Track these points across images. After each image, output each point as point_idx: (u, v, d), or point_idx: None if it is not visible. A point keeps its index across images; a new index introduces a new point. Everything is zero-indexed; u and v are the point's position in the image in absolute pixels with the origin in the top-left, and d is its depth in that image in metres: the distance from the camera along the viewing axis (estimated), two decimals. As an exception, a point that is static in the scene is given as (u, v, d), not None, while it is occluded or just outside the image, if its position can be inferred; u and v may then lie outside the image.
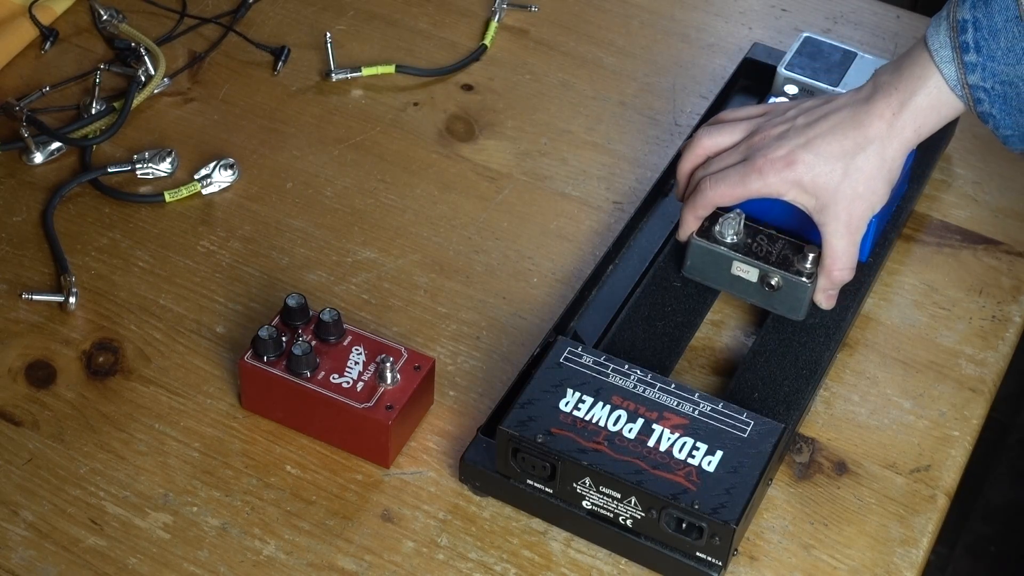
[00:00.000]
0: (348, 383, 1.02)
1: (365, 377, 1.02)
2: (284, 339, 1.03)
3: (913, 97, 1.01)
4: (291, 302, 1.04)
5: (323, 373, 1.02)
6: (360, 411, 1.01)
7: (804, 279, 1.07)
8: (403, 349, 1.04)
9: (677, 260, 1.12)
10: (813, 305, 1.09)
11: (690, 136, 1.13)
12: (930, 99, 1.01)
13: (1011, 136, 1.02)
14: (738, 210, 1.08)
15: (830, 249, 1.05)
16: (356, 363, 1.03)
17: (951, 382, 1.10)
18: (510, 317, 1.13)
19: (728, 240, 1.08)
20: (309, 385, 1.02)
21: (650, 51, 1.36)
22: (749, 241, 1.09)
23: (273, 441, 1.05)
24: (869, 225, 1.12)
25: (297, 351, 1.01)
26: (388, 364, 1.01)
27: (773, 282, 1.08)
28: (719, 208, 1.09)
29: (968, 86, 0.99)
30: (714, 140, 1.09)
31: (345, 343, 1.04)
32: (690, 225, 1.09)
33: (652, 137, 1.27)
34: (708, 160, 1.09)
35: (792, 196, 1.05)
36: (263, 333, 1.02)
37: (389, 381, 1.01)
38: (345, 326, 1.04)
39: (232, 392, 1.07)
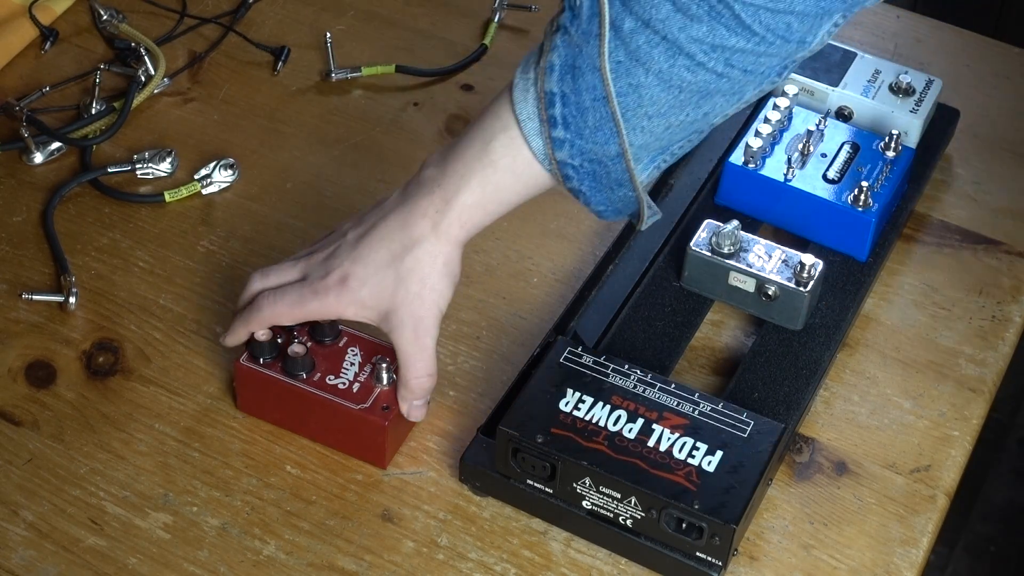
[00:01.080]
0: (344, 384, 1.02)
1: (361, 378, 1.02)
2: (280, 340, 1.03)
3: (458, 194, 0.95)
4: None
5: (319, 374, 1.02)
6: (356, 412, 1.01)
7: (801, 289, 1.07)
8: None
9: (676, 267, 1.12)
10: (811, 312, 1.09)
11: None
12: (481, 192, 0.95)
13: (605, 211, 0.97)
14: (735, 221, 1.08)
15: (403, 357, 0.99)
16: (352, 364, 1.03)
17: (951, 382, 1.10)
18: (510, 317, 1.13)
19: (725, 251, 1.08)
20: (305, 387, 1.02)
21: (650, 51, 1.35)
22: (746, 252, 1.08)
23: (273, 441, 1.05)
24: (869, 225, 1.12)
25: (293, 352, 1.01)
26: (384, 365, 1.01)
27: (770, 292, 1.07)
28: (711, 219, 1.09)
29: (556, 161, 0.94)
30: (266, 280, 1.03)
31: (341, 344, 1.04)
32: (240, 335, 1.03)
33: (652, 137, 1.27)
34: (267, 270, 1.03)
35: (353, 313, 0.99)
36: (259, 335, 1.02)
37: (385, 382, 1.01)
38: (341, 327, 1.04)
39: (232, 392, 1.07)
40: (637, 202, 0.96)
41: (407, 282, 0.97)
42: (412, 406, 1.02)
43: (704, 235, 1.09)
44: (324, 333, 1.03)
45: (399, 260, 0.97)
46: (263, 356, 1.02)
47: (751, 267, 1.08)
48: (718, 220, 1.10)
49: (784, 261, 1.08)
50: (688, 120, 0.92)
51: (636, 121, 0.91)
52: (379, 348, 1.04)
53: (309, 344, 1.03)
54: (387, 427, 1.00)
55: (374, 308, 0.99)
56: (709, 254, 1.09)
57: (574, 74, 0.91)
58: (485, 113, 0.96)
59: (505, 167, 0.95)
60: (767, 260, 1.08)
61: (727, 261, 1.08)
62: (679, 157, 0.96)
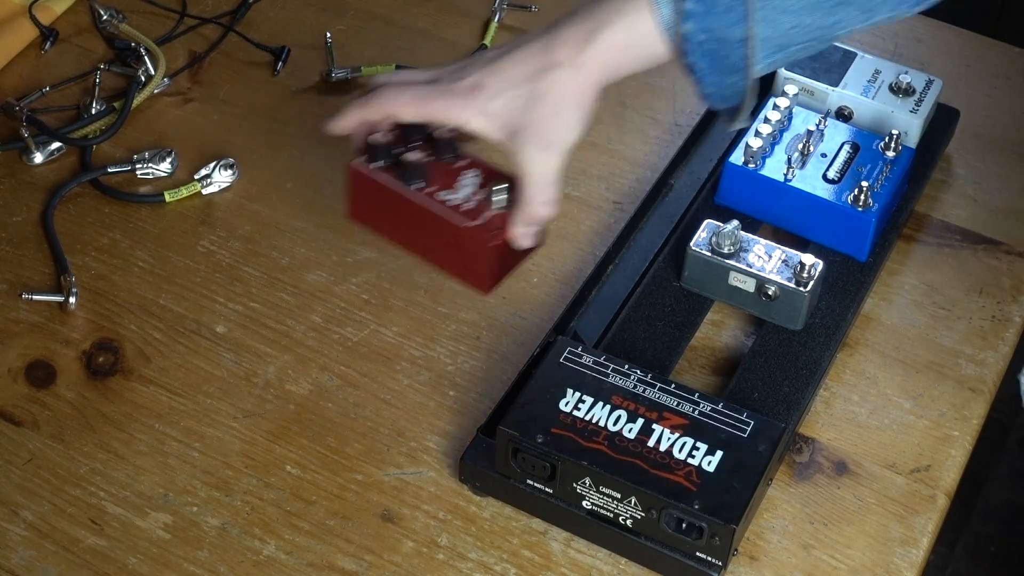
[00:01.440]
0: (457, 201, 0.97)
1: (476, 199, 0.97)
2: (399, 150, 0.99)
3: (603, 29, 0.94)
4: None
5: (433, 187, 0.97)
6: (462, 229, 0.96)
7: (801, 289, 1.07)
8: None
9: (676, 267, 1.12)
10: (811, 312, 1.09)
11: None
12: (624, 36, 0.94)
13: (713, 94, 0.95)
14: (735, 221, 1.08)
15: (525, 179, 0.96)
16: (468, 185, 0.98)
17: (951, 382, 1.10)
18: (510, 317, 1.13)
19: (725, 251, 1.08)
20: (415, 198, 0.97)
21: (650, 51, 1.35)
22: (746, 252, 1.09)
23: (273, 441, 1.05)
24: (869, 225, 1.12)
25: (408, 160, 0.97)
26: (500, 188, 0.96)
27: (770, 292, 1.07)
28: (711, 219, 1.09)
29: (680, 33, 0.92)
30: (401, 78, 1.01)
31: (461, 164, 0.99)
32: (349, 121, 1.00)
33: (652, 137, 1.27)
34: (398, 72, 1.02)
35: (478, 124, 0.96)
36: (378, 137, 0.98)
37: (500, 204, 0.97)
38: (465, 151, 1.00)
39: (232, 392, 1.07)
40: (742, 95, 0.94)
41: (541, 102, 0.95)
42: (523, 233, 0.98)
43: (704, 235, 1.09)
44: (446, 150, 0.99)
45: (536, 79, 0.95)
46: (378, 160, 0.98)
47: (751, 267, 1.08)
48: (718, 220, 1.10)
49: (784, 261, 1.08)
50: (815, 25, 0.92)
51: (766, 13, 0.90)
52: (500, 175, 0.98)
53: (429, 157, 0.99)
54: (492, 248, 0.96)
55: (502, 123, 0.96)
56: (709, 254, 1.09)
57: None
58: None
59: (643, 20, 0.93)
60: (767, 260, 1.08)
61: (727, 261, 1.08)
62: (792, 59, 0.95)
